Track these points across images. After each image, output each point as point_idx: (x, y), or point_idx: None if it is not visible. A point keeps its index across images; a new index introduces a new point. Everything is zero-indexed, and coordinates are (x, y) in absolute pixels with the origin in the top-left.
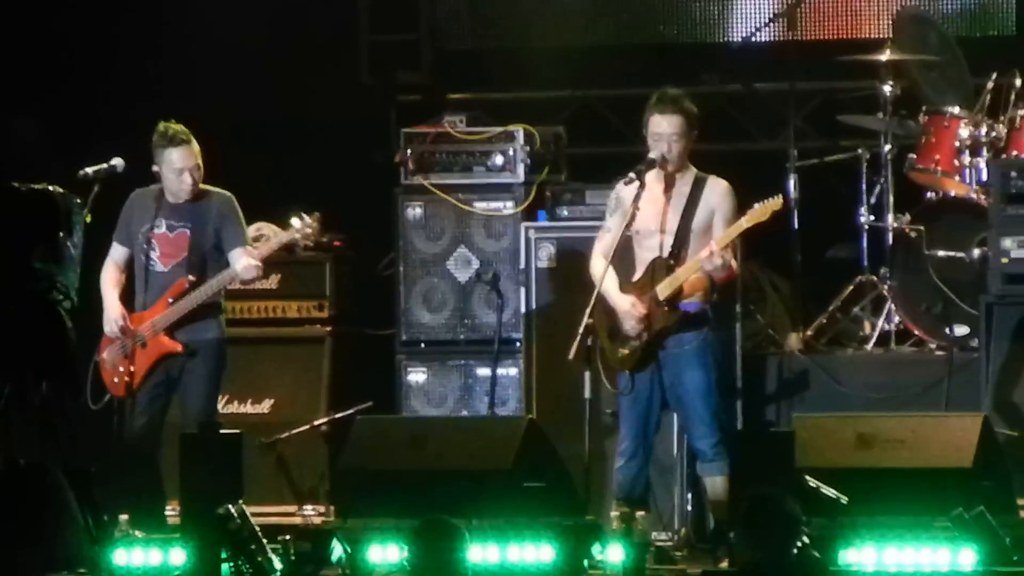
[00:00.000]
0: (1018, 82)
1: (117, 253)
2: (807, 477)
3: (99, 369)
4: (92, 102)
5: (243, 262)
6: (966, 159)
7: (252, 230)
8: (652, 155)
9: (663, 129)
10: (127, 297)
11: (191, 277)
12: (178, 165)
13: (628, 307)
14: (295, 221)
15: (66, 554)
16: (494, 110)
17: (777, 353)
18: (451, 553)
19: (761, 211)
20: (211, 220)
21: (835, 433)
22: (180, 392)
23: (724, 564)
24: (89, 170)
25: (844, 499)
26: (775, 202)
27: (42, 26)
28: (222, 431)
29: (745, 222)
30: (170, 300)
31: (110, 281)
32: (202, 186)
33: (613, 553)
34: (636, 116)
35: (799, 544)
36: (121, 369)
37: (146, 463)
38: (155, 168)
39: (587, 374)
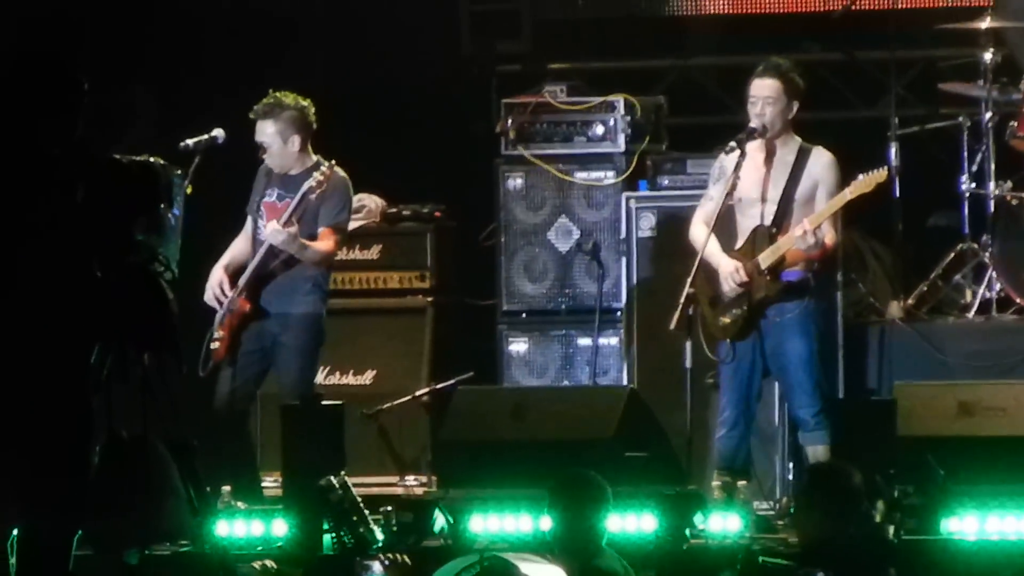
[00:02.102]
0: None
1: (247, 225)
2: (929, 457)
3: (210, 338)
4: (192, 74)
5: (268, 226)
6: None
7: (354, 201)
8: (753, 124)
9: (757, 92)
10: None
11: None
12: (256, 138)
13: (732, 270)
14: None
15: (168, 526)
16: (594, 80)
17: (878, 321)
18: (595, 510)
19: (865, 183)
20: (316, 196)
21: (936, 401)
22: (274, 365)
23: None
24: (190, 141)
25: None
26: (879, 174)
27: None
28: (324, 402)
29: (849, 193)
30: None
31: (229, 250)
32: (321, 161)
33: (715, 522)
34: (737, 85)
35: (864, 519)
36: (218, 335)
37: (234, 431)
38: None
39: (688, 343)
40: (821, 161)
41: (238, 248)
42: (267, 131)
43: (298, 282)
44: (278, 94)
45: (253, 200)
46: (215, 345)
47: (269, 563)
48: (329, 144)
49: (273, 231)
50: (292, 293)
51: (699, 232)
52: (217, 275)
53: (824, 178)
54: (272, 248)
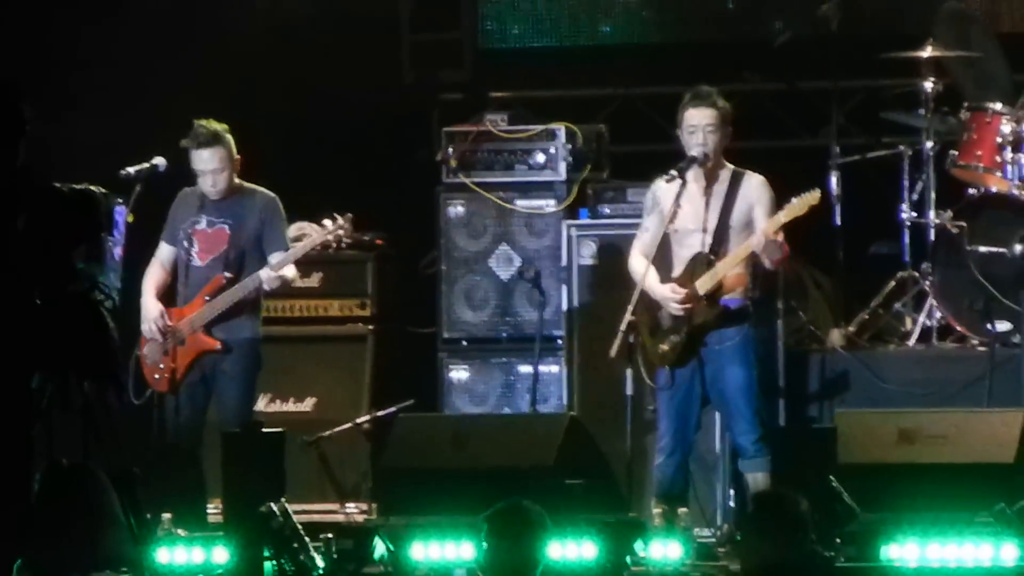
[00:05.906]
0: None
1: (163, 252)
2: (831, 478)
3: (140, 364)
4: (134, 100)
5: (265, 273)
6: (1008, 155)
7: (293, 229)
8: (692, 152)
9: (697, 121)
10: (170, 294)
11: (227, 274)
12: (199, 167)
13: (668, 292)
14: (327, 222)
15: (108, 554)
16: (536, 108)
17: (819, 349)
18: (532, 541)
19: (799, 205)
20: (252, 219)
21: (877, 429)
22: (215, 392)
23: None
24: (131, 169)
25: (859, 511)
26: (813, 196)
27: (85, 27)
28: (264, 430)
29: (783, 216)
30: (207, 297)
31: (151, 280)
32: (246, 184)
33: (656, 550)
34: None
35: (808, 547)
36: (162, 366)
37: (188, 460)
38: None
39: (629, 371)
40: (753, 183)
41: (159, 279)
42: (216, 158)
43: (241, 307)
44: (206, 122)
45: (177, 227)
46: (158, 376)
47: None
48: (271, 172)
49: (272, 279)
50: (230, 320)
51: (638, 263)
52: (156, 308)
53: (759, 198)
54: (231, 284)
